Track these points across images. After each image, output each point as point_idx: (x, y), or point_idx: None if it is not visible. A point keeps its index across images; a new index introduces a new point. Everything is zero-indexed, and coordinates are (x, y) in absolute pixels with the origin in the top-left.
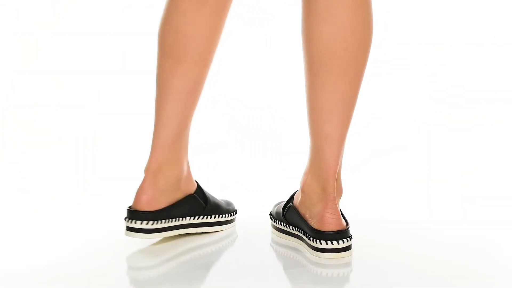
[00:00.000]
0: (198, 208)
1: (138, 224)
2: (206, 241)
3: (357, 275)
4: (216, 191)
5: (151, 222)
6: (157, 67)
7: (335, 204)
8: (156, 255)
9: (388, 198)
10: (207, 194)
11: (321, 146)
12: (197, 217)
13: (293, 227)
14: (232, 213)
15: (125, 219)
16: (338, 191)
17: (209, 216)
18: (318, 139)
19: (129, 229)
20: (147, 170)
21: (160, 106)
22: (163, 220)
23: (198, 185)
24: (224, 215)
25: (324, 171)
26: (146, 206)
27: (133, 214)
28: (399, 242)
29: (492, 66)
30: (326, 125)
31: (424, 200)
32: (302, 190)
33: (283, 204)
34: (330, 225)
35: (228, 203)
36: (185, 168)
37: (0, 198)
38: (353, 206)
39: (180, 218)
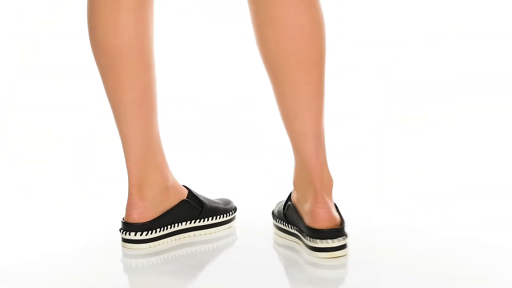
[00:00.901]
0: (193, 212)
1: (132, 236)
2: (206, 241)
3: (354, 276)
4: (214, 192)
5: (145, 233)
6: (103, 86)
7: (324, 198)
8: (155, 255)
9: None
10: (201, 197)
11: (297, 143)
12: (193, 221)
13: (292, 226)
14: (230, 212)
15: (120, 231)
16: (326, 183)
17: (206, 219)
18: (294, 137)
19: (125, 240)
20: (130, 186)
21: (118, 123)
22: (158, 229)
23: (189, 190)
24: (222, 216)
25: (307, 167)
26: (138, 219)
27: (127, 226)
28: (392, 243)
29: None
30: (296, 122)
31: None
32: (294, 187)
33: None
34: (321, 220)
35: (227, 202)
36: (169, 175)
37: (0, 198)
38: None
39: (176, 224)
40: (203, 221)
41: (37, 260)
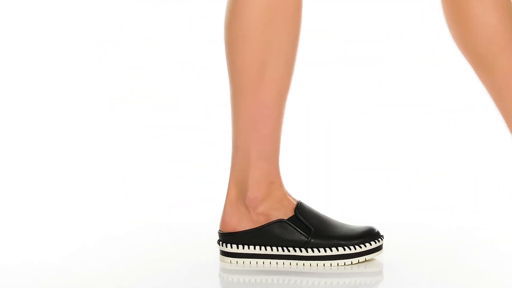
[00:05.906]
0: None
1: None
2: (203, 241)
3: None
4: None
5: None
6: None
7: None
8: (154, 254)
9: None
10: None
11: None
12: None
13: None
14: None
15: None
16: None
17: None
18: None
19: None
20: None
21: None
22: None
23: None
24: None
25: None
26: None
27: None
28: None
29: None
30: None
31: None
32: None
33: None
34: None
35: None
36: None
37: (0, 198)
38: None
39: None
40: None
41: (35, 261)
